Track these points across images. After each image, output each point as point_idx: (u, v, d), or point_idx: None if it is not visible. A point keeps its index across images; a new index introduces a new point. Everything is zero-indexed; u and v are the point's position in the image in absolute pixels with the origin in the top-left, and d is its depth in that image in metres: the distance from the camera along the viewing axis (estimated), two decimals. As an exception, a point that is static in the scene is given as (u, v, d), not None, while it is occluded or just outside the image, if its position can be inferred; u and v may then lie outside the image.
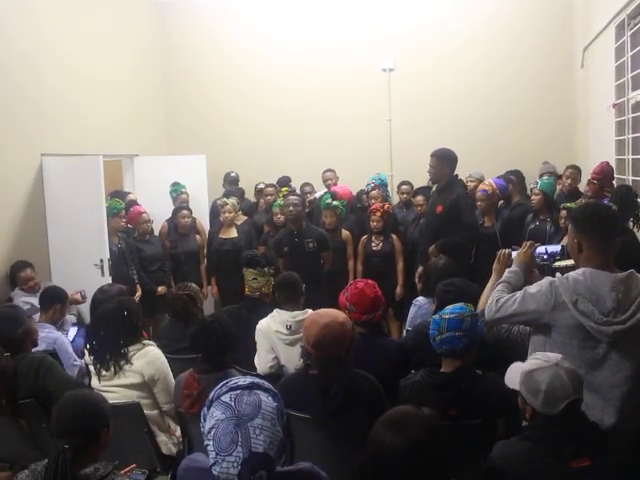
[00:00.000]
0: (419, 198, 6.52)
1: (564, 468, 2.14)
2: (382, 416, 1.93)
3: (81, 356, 4.09)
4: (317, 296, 5.52)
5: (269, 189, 7.59)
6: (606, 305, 2.61)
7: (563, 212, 5.32)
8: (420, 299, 4.52)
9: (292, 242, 5.89)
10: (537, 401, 2.26)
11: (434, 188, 5.79)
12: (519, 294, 2.84)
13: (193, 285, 4.58)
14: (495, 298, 2.93)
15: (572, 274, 2.73)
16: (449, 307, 3.13)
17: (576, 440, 2.18)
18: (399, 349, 3.70)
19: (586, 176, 5.62)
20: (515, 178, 6.97)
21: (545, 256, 3.44)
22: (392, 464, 1.80)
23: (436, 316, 3.13)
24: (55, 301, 4.55)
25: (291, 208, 5.86)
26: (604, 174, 5.10)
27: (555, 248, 3.59)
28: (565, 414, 2.22)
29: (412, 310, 4.51)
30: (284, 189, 7.11)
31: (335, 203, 6.37)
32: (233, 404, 1.97)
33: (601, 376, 2.62)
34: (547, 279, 2.80)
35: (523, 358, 2.67)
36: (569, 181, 6.10)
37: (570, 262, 3.18)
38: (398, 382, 3.22)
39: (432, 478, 1.83)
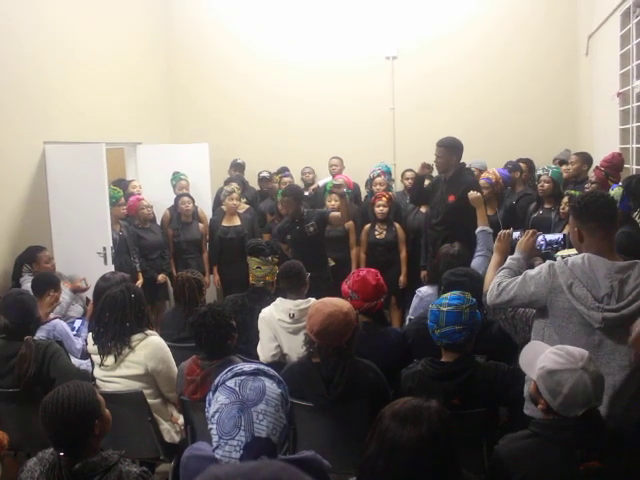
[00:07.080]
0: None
1: (573, 469, 2.08)
2: (388, 410, 1.88)
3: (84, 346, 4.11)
4: (321, 284, 5.54)
5: (275, 177, 7.68)
6: (600, 291, 2.61)
7: (565, 199, 5.29)
8: (423, 290, 4.38)
9: (294, 229, 5.91)
10: (555, 402, 2.14)
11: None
12: (520, 277, 2.86)
13: (198, 272, 4.61)
14: (496, 283, 2.95)
15: (572, 258, 2.75)
16: (447, 296, 3.08)
17: (588, 445, 2.10)
18: (401, 338, 3.69)
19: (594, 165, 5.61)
20: (525, 166, 6.93)
21: (543, 243, 3.44)
22: (411, 458, 1.77)
23: (433, 307, 3.07)
24: (48, 287, 4.50)
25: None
26: (613, 164, 5.14)
27: (554, 237, 3.58)
28: (581, 418, 2.12)
29: (414, 301, 4.41)
30: (278, 176, 7.46)
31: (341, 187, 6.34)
32: (238, 389, 1.97)
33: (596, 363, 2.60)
34: (548, 262, 2.82)
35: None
36: (573, 167, 6.12)
37: (572, 251, 3.18)
38: (400, 371, 3.21)
39: (448, 466, 1.83)
